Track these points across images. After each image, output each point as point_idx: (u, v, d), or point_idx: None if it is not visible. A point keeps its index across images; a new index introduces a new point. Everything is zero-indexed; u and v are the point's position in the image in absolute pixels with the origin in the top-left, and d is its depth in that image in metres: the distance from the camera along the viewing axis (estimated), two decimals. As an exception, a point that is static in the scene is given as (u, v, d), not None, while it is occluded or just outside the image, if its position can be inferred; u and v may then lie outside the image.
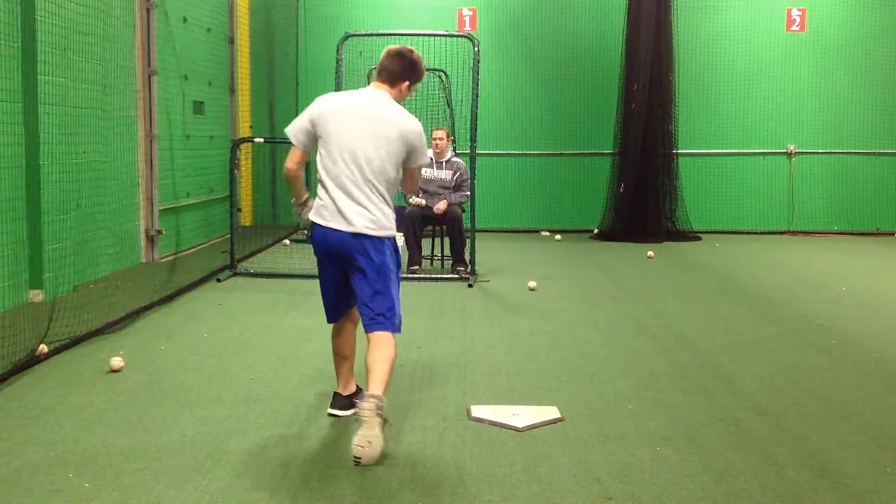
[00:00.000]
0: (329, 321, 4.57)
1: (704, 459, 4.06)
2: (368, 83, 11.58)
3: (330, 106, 4.32)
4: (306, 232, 4.41)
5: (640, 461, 4.03)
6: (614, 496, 3.64)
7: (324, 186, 4.27)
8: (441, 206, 9.24)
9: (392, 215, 4.31)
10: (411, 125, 4.28)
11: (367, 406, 3.92)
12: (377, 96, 4.33)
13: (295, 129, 4.33)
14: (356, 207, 4.18)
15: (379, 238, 4.22)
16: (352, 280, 4.29)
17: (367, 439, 3.87)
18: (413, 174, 4.39)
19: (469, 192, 9.22)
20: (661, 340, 6.47)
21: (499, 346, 6.26)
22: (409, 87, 4.38)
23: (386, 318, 4.25)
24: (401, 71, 4.34)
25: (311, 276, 8.65)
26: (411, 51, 4.39)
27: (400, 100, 4.39)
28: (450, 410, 4.75)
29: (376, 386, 4.04)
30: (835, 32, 13.80)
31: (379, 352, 4.17)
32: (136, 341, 6.23)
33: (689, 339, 6.50)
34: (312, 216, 4.31)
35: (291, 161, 4.35)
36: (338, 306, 4.50)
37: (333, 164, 4.23)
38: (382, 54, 4.38)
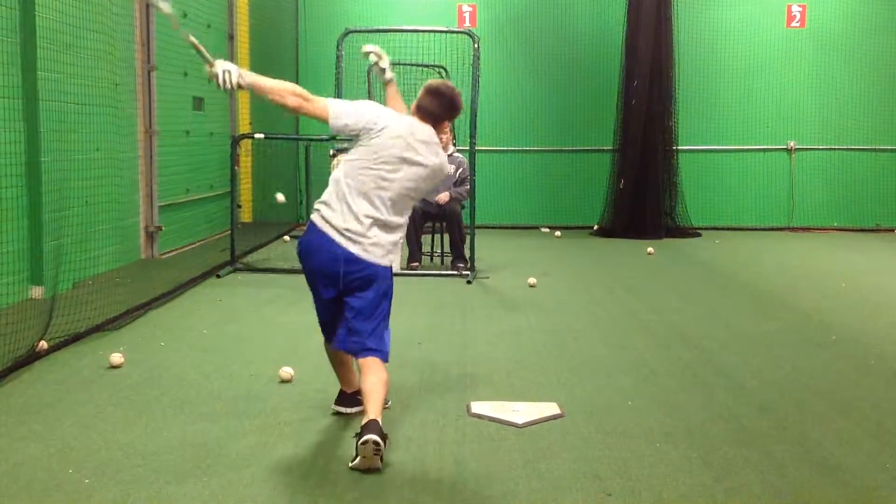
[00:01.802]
0: (327, 339, 4.40)
1: (704, 455, 4.06)
2: (368, 80, 11.62)
3: (396, 127, 4.14)
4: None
5: (640, 457, 4.03)
6: (614, 492, 3.64)
7: (342, 194, 4.09)
8: (443, 197, 9.24)
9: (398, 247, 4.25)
10: (447, 171, 4.42)
11: (368, 449, 3.73)
12: (428, 134, 4.20)
13: (345, 107, 4.12)
14: (376, 230, 4.07)
15: (386, 267, 4.15)
16: (347, 302, 4.14)
17: (365, 463, 3.77)
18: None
19: (469, 188, 9.22)
20: (660, 336, 6.48)
21: (498, 342, 6.26)
22: (448, 128, 4.44)
23: (376, 347, 4.12)
24: (441, 113, 4.27)
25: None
26: (451, 88, 4.28)
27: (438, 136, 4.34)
28: (449, 407, 4.75)
29: (375, 411, 3.89)
30: (835, 28, 13.78)
31: (374, 376, 4.04)
32: (136, 338, 6.23)
33: (689, 336, 6.50)
34: (315, 219, 4.12)
35: (307, 108, 4.12)
36: (331, 326, 4.31)
37: (362, 179, 4.07)
38: (422, 90, 4.25)
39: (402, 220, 4.22)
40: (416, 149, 4.14)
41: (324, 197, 4.18)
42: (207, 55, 4.15)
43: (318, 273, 4.15)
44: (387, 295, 4.19)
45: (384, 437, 3.81)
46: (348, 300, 4.14)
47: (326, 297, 4.20)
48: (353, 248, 4.05)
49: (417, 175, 4.16)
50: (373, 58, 4.70)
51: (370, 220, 4.08)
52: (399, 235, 4.22)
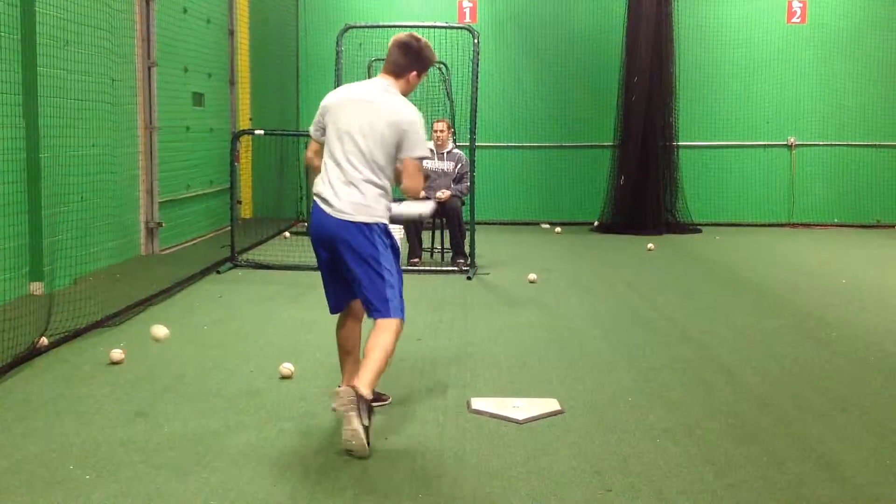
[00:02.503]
0: (331, 312, 4.53)
1: (704, 452, 4.06)
2: (369, 75, 11.64)
3: (334, 96, 4.40)
4: None
5: (640, 453, 4.03)
6: (614, 488, 3.64)
7: (323, 169, 4.31)
8: (444, 194, 9.23)
9: (385, 204, 4.26)
10: (404, 113, 4.23)
11: (340, 402, 3.87)
12: (378, 85, 4.33)
13: (314, 121, 4.42)
14: (346, 189, 4.17)
15: (365, 224, 4.17)
16: (343, 270, 4.27)
17: (349, 433, 3.85)
18: (408, 168, 4.24)
19: (469, 184, 9.21)
20: (660, 333, 6.48)
21: (499, 338, 6.26)
22: (417, 76, 4.36)
23: (381, 308, 4.19)
24: (407, 63, 4.32)
25: (312, 269, 8.64)
26: (418, 39, 4.35)
27: (409, 90, 4.38)
28: (450, 403, 4.75)
29: (363, 379, 3.98)
30: (835, 24, 13.77)
31: (375, 338, 4.13)
32: (137, 334, 6.23)
33: (689, 332, 6.50)
34: (315, 198, 4.33)
35: (309, 150, 4.47)
36: (337, 296, 4.45)
37: (330, 148, 4.28)
38: (389, 44, 4.36)
39: (371, 173, 4.19)
40: (369, 99, 4.25)
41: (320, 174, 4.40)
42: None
43: (314, 237, 4.32)
44: (373, 257, 4.17)
45: (360, 409, 3.87)
46: (345, 260, 4.22)
47: (323, 257, 4.34)
48: (328, 209, 4.20)
49: (374, 119, 4.19)
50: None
51: (339, 182, 4.19)
52: (375, 191, 4.19)
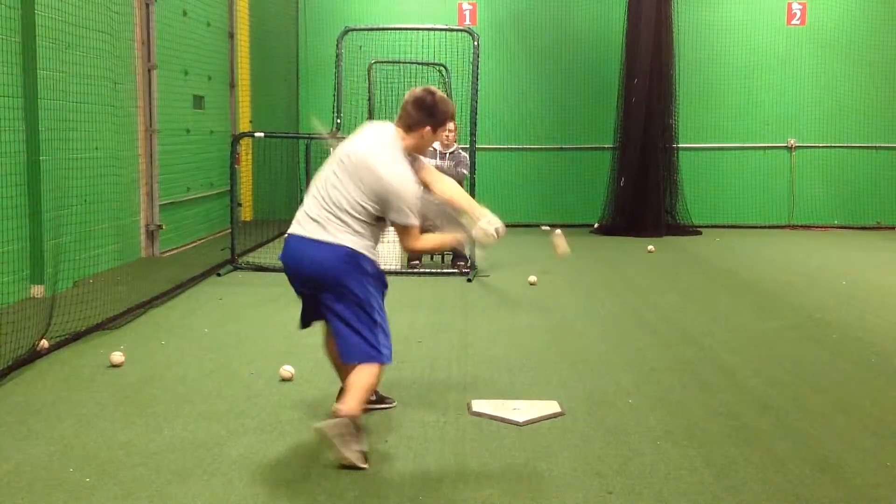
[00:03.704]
0: (301, 327, 4.38)
1: (705, 454, 4.06)
2: (369, 76, 11.59)
3: (352, 136, 4.27)
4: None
5: (641, 455, 4.03)
6: (615, 490, 3.64)
7: (308, 198, 4.15)
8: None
9: (364, 245, 4.00)
10: (390, 180, 3.94)
11: (330, 431, 3.76)
12: (381, 133, 4.16)
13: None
14: (325, 227, 3.99)
15: (349, 265, 3.98)
16: (326, 311, 4.10)
17: (340, 461, 3.79)
18: (400, 230, 4.04)
19: (466, 173, 9.12)
20: (661, 335, 6.48)
21: (499, 340, 6.26)
22: (433, 132, 4.15)
23: (374, 357, 4.01)
24: (419, 117, 4.10)
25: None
26: (433, 93, 4.15)
27: (422, 146, 4.19)
28: (450, 405, 4.75)
29: (348, 403, 3.86)
30: (835, 27, 13.77)
31: (358, 374, 3.98)
32: (137, 336, 6.23)
33: (690, 334, 6.50)
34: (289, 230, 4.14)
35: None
36: (309, 316, 4.30)
37: (322, 179, 4.11)
38: (405, 96, 4.19)
39: (354, 219, 3.97)
40: (364, 142, 4.12)
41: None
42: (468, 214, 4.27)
43: (288, 269, 4.19)
44: (359, 298, 3.97)
45: (348, 433, 3.78)
46: (323, 300, 4.06)
47: (298, 291, 4.25)
48: (305, 233, 4.04)
49: (358, 162, 4.00)
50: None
51: (311, 215, 4.04)
52: (353, 232, 3.97)
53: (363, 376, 3.97)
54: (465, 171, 9.24)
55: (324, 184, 4.08)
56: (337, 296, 3.99)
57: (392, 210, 3.97)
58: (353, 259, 3.97)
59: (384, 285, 4.18)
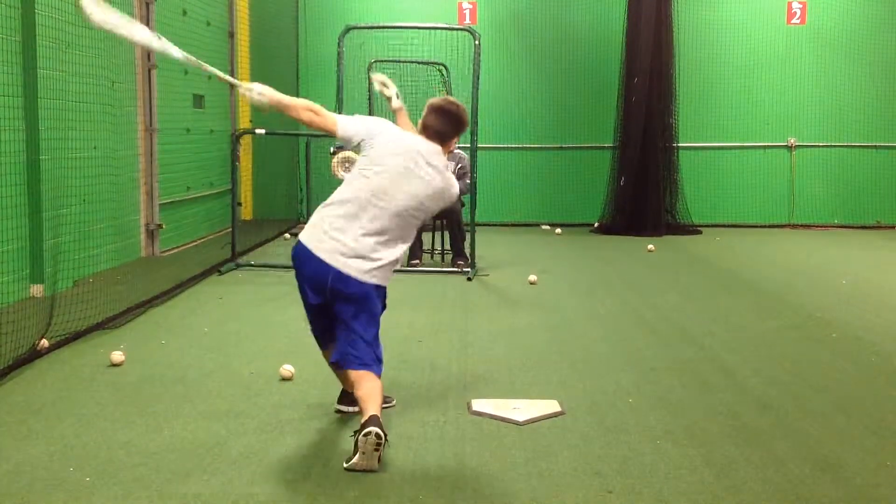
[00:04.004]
0: (323, 349, 4.42)
1: (705, 453, 4.06)
2: (369, 76, 11.60)
3: (392, 133, 4.18)
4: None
5: (641, 455, 4.03)
6: (615, 490, 3.64)
7: (339, 206, 4.07)
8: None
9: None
10: (453, 192, 4.22)
11: (369, 442, 3.71)
12: (434, 152, 4.16)
13: (352, 120, 4.18)
14: (368, 248, 3.99)
15: (380, 286, 4.10)
16: (338, 320, 4.10)
17: (361, 467, 3.76)
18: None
19: (469, 182, 9.16)
20: (661, 334, 6.48)
21: (499, 339, 6.27)
22: (455, 145, 4.32)
23: (374, 364, 4.06)
24: (450, 131, 4.20)
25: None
26: (458, 106, 4.23)
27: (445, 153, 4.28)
28: (450, 404, 4.75)
29: (375, 408, 3.85)
30: (835, 26, 13.77)
31: (367, 386, 3.98)
32: (137, 336, 6.24)
33: (690, 333, 6.50)
34: (304, 238, 4.10)
35: (318, 120, 4.11)
36: (328, 336, 4.30)
37: (365, 191, 4.03)
38: (427, 109, 4.20)
39: (401, 240, 4.08)
40: (421, 166, 4.08)
41: (327, 208, 4.14)
42: (231, 80, 4.39)
43: (307, 280, 4.12)
44: (374, 313, 4.10)
45: (385, 434, 3.80)
46: (337, 312, 4.08)
47: (313, 303, 4.16)
48: (342, 267, 3.98)
49: (422, 192, 4.06)
50: (377, 86, 4.80)
51: (364, 236, 4.00)
52: (395, 256, 4.07)
53: (374, 383, 4.00)
54: (467, 181, 9.20)
55: (376, 202, 4.03)
56: (351, 305, 4.04)
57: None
58: (378, 292, 4.16)
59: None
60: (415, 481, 3.72)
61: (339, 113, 9.70)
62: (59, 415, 4.51)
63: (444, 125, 4.19)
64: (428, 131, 4.18)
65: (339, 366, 4.18)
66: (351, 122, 4.17)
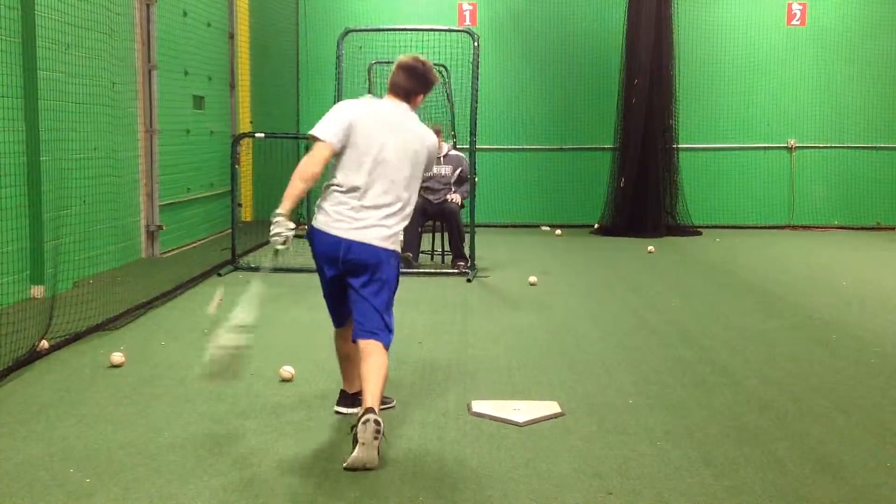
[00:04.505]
0: (336, 326, 4.48)
1: (705, 454, 4.06)
2: (370, 77, 11.58)
3: (359, 111, 4.24)
4: (279, 249, 4.20)
5: (641, 456, 4.03)
6: (615, 491, 3.64)
7: (339, 193, 4.17)
8: (456, 198, 9.22)
9: (403, 228, 4.26)
10: (432, 139, 4.33)
11: (368, 430, 3.76)
12: (402, 110, 4.28)
13: (328, 126, 4.17)
14: (376, 218, 4.12)
15: (390, 250, 4.18)
16: (351, 289, 4.19)
17: (362, 462, 3.78)
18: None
19: (469, 188, 9.18)
20: (661, 335, 6.48)
21: (499, 341, 6.27)
22: (422, 100, 4.37)
23: (381, 332, 4.14)
24: (414, 87, 4.28)
25: (313, 271, 8.63)
26: (423, 62, 4.30)
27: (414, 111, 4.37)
28: (450, 406, 4.75)
29: (374, 400, 3.91)
30: (835, 27, 13.78)
31: (373, 359, 4.05)
32: (137, 337, 6.24)
33: (690, 334, 6.50)
34: (318, 224, 4.20)
35: (317, 155, 4.13)
36: (343, 311, 4.38)
37: (357, 172, 4.14)
38: (394, 67, 4.29)
39: (404, 202, 4.21)
40: (397, 129, 4.23)
41: (335, 193, 4.23)
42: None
43: (322, 255, 4.25)
44: (388, 281, 4.18)
45: (379, 432, 3.81)
46: (350, 282, 4.18)
47: (329, 275, 4.27)
48: (352, 235, 4.12)
49: (409, 148, 4.21)
50: None
51: (372, 209, 4.14)
52: (402, 217, 4.22)
53: (380, 359, 4.07)
54: (468, 187, 9.20)
55: (369, 175, 4.16)
56: (364, 276, 4.17)
57: (433, 165, 4.45)
58: (396, 257, 4.30)
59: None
60: (415, 482, 3.72)
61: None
62: (60, 416, 4.52)
63: (410, 82, 4.28)
64: (395, 89, 4.30)
65: (353, 340, 4.21)
66: (326, 126, 4.20)
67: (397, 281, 4.28)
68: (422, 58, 4.35)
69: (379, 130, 4.19)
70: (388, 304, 4.22)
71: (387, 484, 3.68)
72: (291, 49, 14.01)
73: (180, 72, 10.67)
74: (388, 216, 4.16)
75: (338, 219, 4.14)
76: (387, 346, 4.15)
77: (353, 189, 4.15)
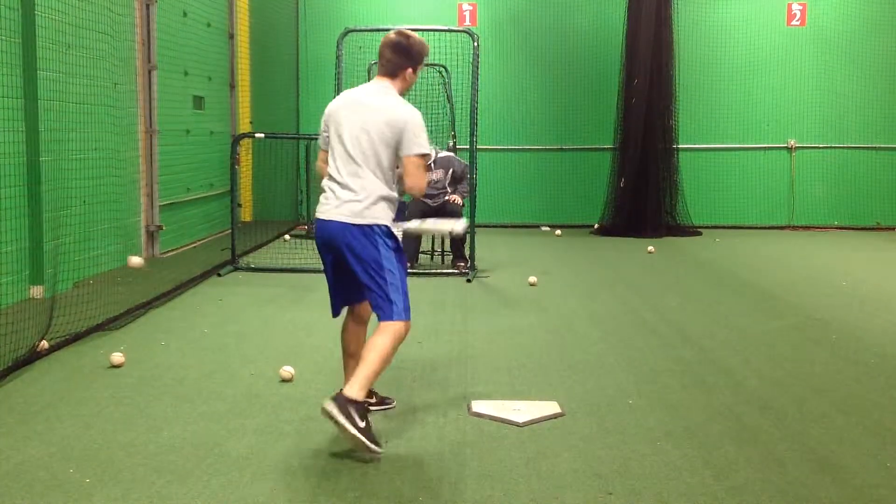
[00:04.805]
0: (333, 315, 4.51)
1: (705, 454, 4.06)
2: (369, 78, 11.60)
3: (334, 103, 4.38)
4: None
5: (641, 456, 4.03)
6: (615, 491, 3.64)
7: (326, 180, 4.31)
8: (457, 199, 9.18)
9: (385, 206, 4.21)
10: (401, 111, 4.19)
11: (329, 409, 3.89)
12: (375, 88, 4.33)
13: (320, 132, 4.43)
14: (344, 192, 4.17)
15: (366, 226, 4.14)
16: (347, 273, 4.25)
17: (347, 439, 3.88)
18: (407, 167, 4.18)
19: (468, 189, 9.14)
20: (661, 335, 6.48)
21: (499, 341, 6.27)
22: (414, 72, 4.33)
23: (385, 309, 4.15)
24: (400, 61, 4.29)
25: (312, 271, 8.66)
26: (407, 36, 4.33)
27: (407, 87, 4.36)
28: (450, 406, 4.75)
29: (353, 383, 3.96)
30: (835, 27, 13.78)
31: (374, 339, 4.09)
32: (137, 337, 6.24)
33: (690, 334, 6.50)
34: (316, 213, 4.33)
35: (319, 160, 4.48)
36: (336, 299, 4.44)
37: (332, 152, 4.29)
38: (380, 45, 4.34)
39: (382, 179, 4.18)
40: (364, 100, 4.26)
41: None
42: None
43: (316, 240, 4.36)
44: (369, 262, 4.13)
45: (350, 414, 3.87)
46: (352, 273, 4.21)
47: (327, 260, 4.33)
48: (330, 215, 4.20)
49: (367, 121, 4.18)
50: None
51: (346, 186, 4.19)
52: (376, 196, 4.16)
53: (382, 339, 4.08)
54: (466, 187, 9.18)
55: (341, 154, 4.24)
56: (354, 259, 4.24)
57: (406, 141, 4.18)
58: (381, 232, 4.26)
59: (402, 254, 4.38)
60: (414, 482, 3.72)
61: None
62: (60, 416, 4.52)
63: (395, 57, 4.29)
64: (381, 67, 4.32)
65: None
66: (320, 137, 4.44)
67: (391, 259, 4.18)
68: (406, 31, 4.37)
69: (345, 112, 4.26)
70: (384, 283, 4.14)
71: (387, 483, 3.69)
72: (291, 49, 14.02)
73: (180, 72, 10.67)
74: (358, 192, 4.15)
75: (323, 202, 4.28)
76: (400, 327, 4.12)
77: (332, 173, 4.26)
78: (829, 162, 13.99)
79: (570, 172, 13.99)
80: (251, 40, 13.35)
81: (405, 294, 4.20)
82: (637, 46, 12.74)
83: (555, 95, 13.95)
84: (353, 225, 4.15)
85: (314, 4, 13.95)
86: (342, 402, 3.90)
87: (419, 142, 4.19)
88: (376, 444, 3.95)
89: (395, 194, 4.27)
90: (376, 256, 4.15)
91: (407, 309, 4.18)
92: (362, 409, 3.94)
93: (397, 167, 4.28)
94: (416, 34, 4.36)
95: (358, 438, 3.86)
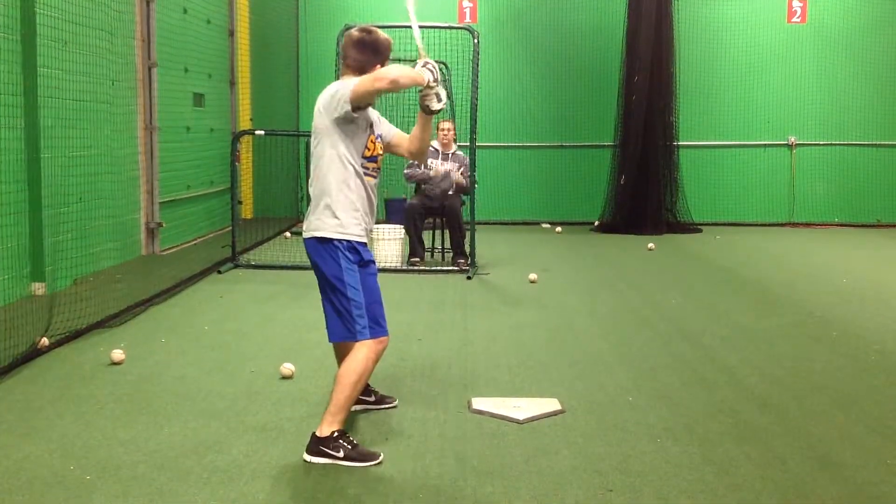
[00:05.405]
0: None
1: (705, 451, 4.06)
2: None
3: None
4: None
5: (641, 453, 4.03)
6: (615, 488, 3.64)
7: None
8: (457, 175, 9.22)
9: (330, 213, 3.98)
10: (329, 88, 4.04)
11: (307, 459, 3.88)
12: (331, 85, 4.13)
13: None
14: (313, 206, 4.07)
15: (318, 240, 4.03)
16: None
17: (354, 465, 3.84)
18: (358, 85, 3.88)
19: (469, 184, 9.16)
20: (661, 332, 6.48)
21: (499, 338, 6.26)
22: (383, 66, 4.14)
23: (337, 331, 4.06)
24: (366, 58, 4.11)
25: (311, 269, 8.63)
26: (369, 31, 4.16)
27: None
28: (450, 403, 4.75)
29: (324, 418, 3.92)
30: (836, 24, 13.77)
31: (345, 364, 4.00)
32: (137, 334, 6.24)
33: (690, 331, 6.50)
34: None
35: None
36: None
37: None
38: (342, 42, 4.22)
39: (319, 177, 4.01)
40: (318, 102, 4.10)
41: None
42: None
43: None
44: (326, 277, 4.00)
45: (325, 452, 3.85)
46: None
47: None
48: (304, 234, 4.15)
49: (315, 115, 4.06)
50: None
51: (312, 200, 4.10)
52: (321, 204, 4.00)
53: (351, 362, 3.98)
54: (467, 175, 9.21)
55: None
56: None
57: (338, 94, 3.94)
58: (329, 248, 4.06)
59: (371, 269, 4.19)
60: (415, 479, 3.72)
61: None
62: (60, 413, 4.52)
63: (362, 55, 4.11)
64: (344, 62, 4.17)
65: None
66: None
67: (333, 275, 3.99)
68: (369, 27, 4.23)
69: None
70: (337, 308, 4.01)
71: (387, 481, 3.69)
72: (291, 46, 14.01)
73: (180, 69, 10.67)
74: (313, 204, 4.06)
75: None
76: (373, 346, 3.98)
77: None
78: (829, 159, 13.99)
79: (571, 169, 13.99)
80: (251, 37, 13.34)
81: (369, 310, 4.01)
82: (637, 43, 12.73)
83: (555, 92, 13.95)
84: (308, 239, 4.07)
85: (314, 1, 13.94)
86: (314, 445, 3.88)
87: (349, 85, 3.94)
88: (368, 458, 3.87)
89: (351, 196, 4.00)
90: (325, 275, 4.03)
91: (369, 327, 4.00)
92: (335, 440, 3.86)
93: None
94: (378, 28, 4.22)
95: (347, 467, 3.81)
